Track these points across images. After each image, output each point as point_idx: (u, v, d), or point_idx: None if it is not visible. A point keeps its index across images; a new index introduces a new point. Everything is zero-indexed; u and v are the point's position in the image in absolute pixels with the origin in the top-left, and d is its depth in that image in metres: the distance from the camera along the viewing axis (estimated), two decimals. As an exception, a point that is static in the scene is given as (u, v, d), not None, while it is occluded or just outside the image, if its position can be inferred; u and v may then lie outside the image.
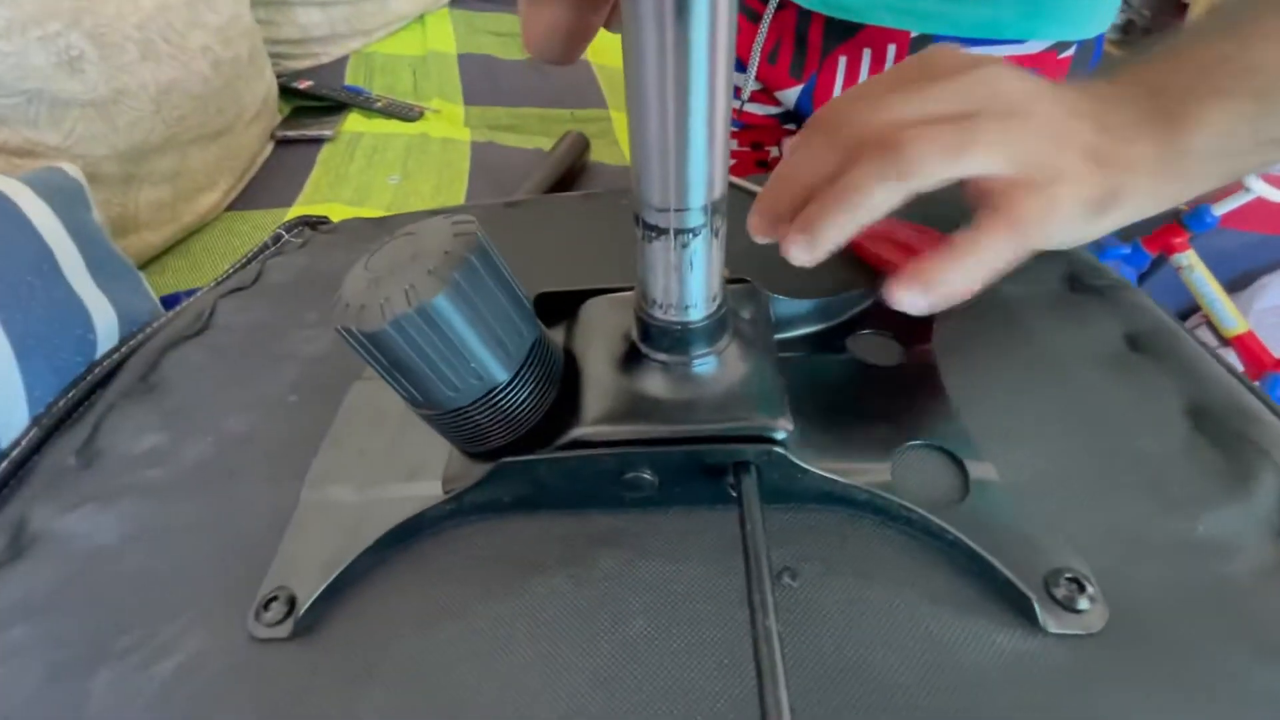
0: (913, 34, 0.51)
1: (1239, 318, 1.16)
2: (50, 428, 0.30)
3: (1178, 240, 1.20)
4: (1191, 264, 1.20)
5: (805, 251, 0.21)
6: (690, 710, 0.18)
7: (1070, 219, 0.21)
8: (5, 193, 0.33)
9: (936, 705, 0.18)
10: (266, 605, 0.22)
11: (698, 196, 0.17)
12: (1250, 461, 0.22)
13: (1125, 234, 1.28)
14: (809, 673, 0.19)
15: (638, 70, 0.15)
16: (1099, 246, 1.33)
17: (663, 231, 0.18)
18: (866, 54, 0.54)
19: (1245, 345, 1.15)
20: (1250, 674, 0.17)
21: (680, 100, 0.15)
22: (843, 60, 0.55)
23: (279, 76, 1.00)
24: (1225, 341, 1.19)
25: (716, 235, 0.19)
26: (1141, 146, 0.21)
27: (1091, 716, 0.17)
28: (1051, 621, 0.19)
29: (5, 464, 0.28)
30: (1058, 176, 0.20)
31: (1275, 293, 1.37)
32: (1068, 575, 0.19)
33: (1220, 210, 1.15)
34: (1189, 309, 1.43)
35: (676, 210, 0.17)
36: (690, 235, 0.18)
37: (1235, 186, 1.12)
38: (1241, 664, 0.17)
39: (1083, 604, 0.19)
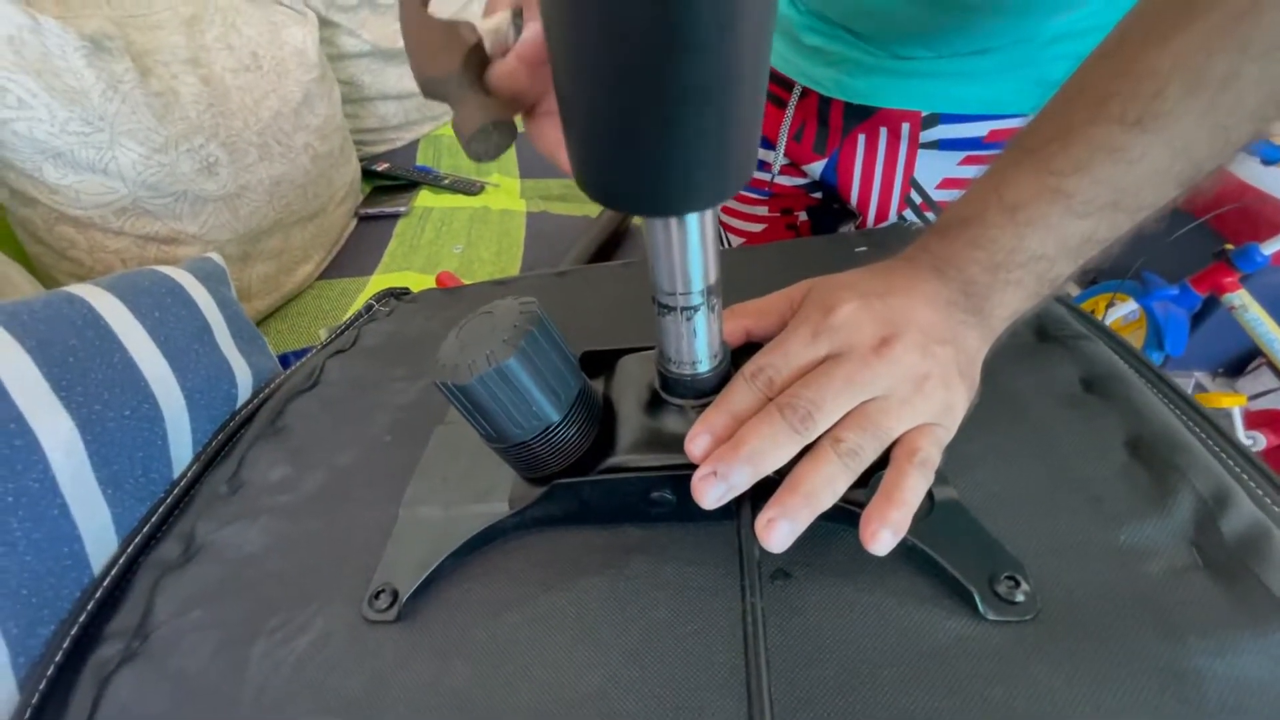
0: (923, 113, 0.57)
1: (1300, 357, 1.12)
2: (206, 462, 0.39)
3: (1228, 280, 1.18)
4: (1245, 304, 1.17)
5: (717, 489, 0.24)
6: (701, 676, 0.23)
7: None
8: (177, 280, 0.42)
9: (898, 675, 0.22)
10: (376, 596, 0.28)
11: (697, 284, 0.24)
12: (1173, 483, 0.26)
13: (1172, 275, 1.27)
14: (797, 652, 0.24)
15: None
16: (1146, 289, 1.31)
17: (672, 309, 0.24)
18: (883, 132, 0.59)
19: (1309, 385, 1.10)
20: (1150, 649, 0.21)
21: (680, 226, 0.21)
22: (861, 138, 0.61)
23: (361, 161, 1.15)
24: (1288, 381, 1.15)
25: (713, 310, 0.25)
26: (971, 338, 0.28)
27: (1021, 683, 0.21)
28: (991, 611, 0.23)
29: (176, 490, 0.36)
30: (950, 411, 0.26)
31: (1344, 330, 1.31)
32: (1007, 575, 0.24)
33: (1269, 249, 1.13)
34: (1253, 350, 1.38)
35: (682, 294, 0.24)
36: (693, 311, 0.24)
37: (1283, 225, 1.11)
38: (1146, 643, 0.21)
39: (1018, 597, 0.23)
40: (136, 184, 0.65)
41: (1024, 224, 0.27)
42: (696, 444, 0.25)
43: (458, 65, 0.23)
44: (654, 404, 0.29)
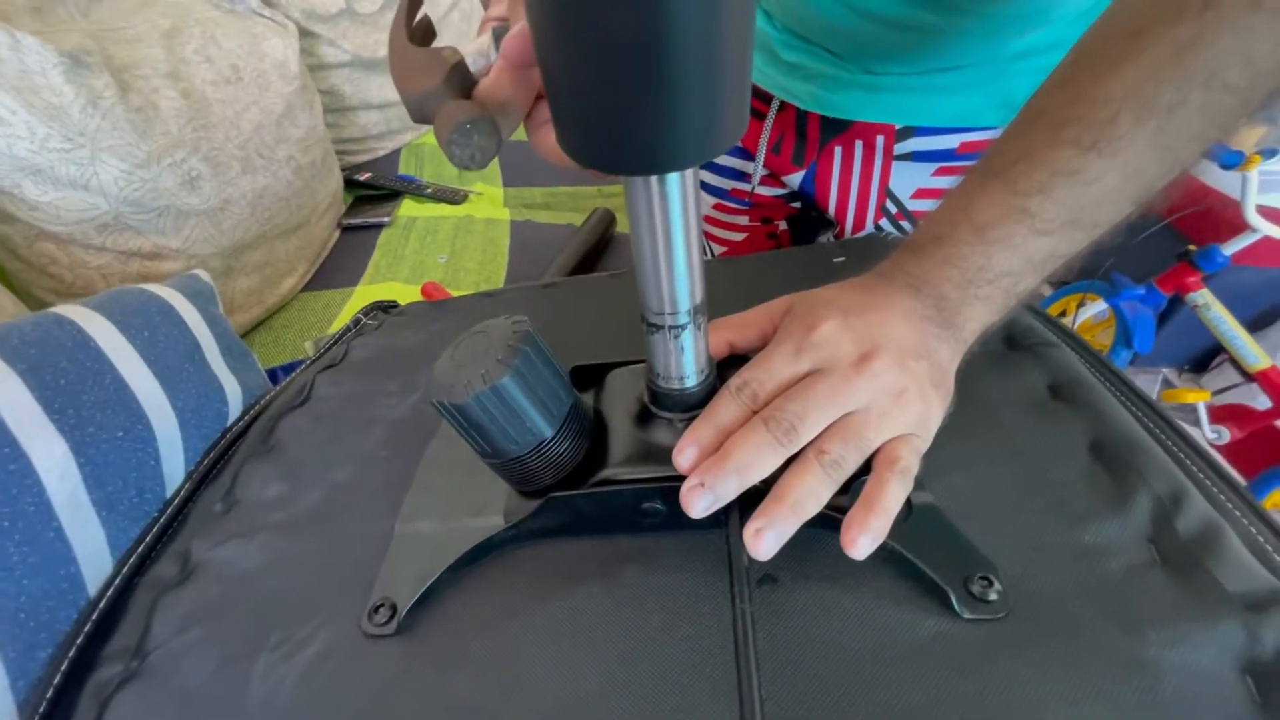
0: (897, 126, 0.59)
1: (1261, 353, 1.17)
2: (199, 481, 0.39)
3: (1191, 280, 1.22)
4: (1208, 302, 1.22)
5: (705, 499, 0.25)
6: (694, 678, 0.24)
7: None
8: (165, 299, 0.43)
9: (880, 672, 0.24)
10: (375, 610, 0.29)
11: (684, 304, 0.25)
12: (1132, 485, 0.27)
13: (1139, 275, 1.32)
14: (785, 653, 0.25)
15: (637, 231, 0.23)
16: (1114, 289, 1.35)
17: (660, 327, 0.25)
18: (859, 144, 0.61)
19: (1270, 380, 1.15)
20: (1111, 642, 0.23)
21: (667, 253, 0.23)
22: (838, 150, 0.62)
23: (343, 171, 1.15)
24: (1250, 377, 1.19)
25: (699, 328, 0.26)
26: (944, 351, 0.29)
27: (993, 676, 0.23)
28: (966, 610, 0.25)
29: (170, 510, 0.37)
30: (926, 422, 0.28)
31: (1303, 326, 1.37)
32: (980, 575, 0.25)
33: (1229, 250, 1.18)
34: (1216, 347, 1.43)
35: (670, 313, 0.25)
36: (680, 329, 0.25)
37: (1242, 225, 1.16)
38: (1106, 635, 0.23)
39: (991, 596, 0.25)
40: (118, 200, 0.65)
41: (992, 242, 0.28)
42: (684, 456, 0.26)
43: (439, 81, 0.24)
44: (643, 417, 0.30)
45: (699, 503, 0.25)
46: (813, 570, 0.27)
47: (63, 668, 0.29)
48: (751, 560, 0.28)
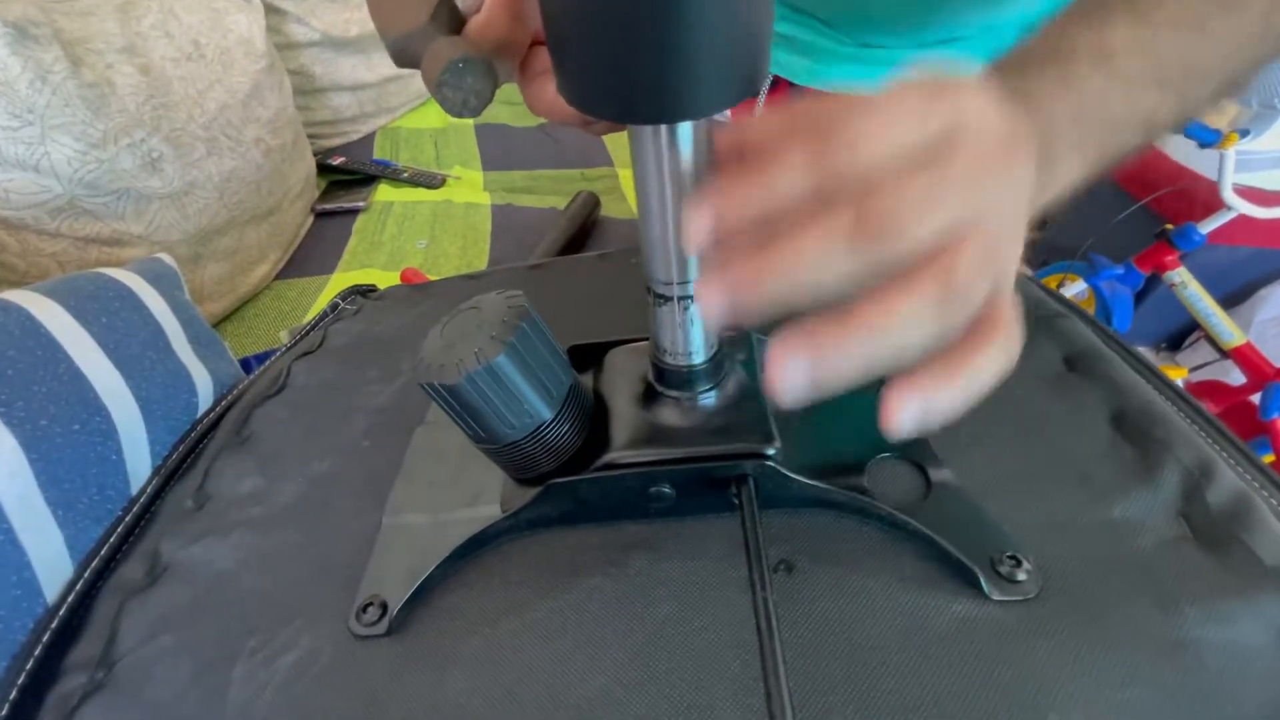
0: None
1: (1236, 330, 1.18)
2: (168, 476, 0.36)
3: (1168, 258, 1.24)
4: (1184, 281, 1.23)
5: (718, 306, 0.16)
6: (709, 673, 0.23)
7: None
8: (125, 283, 0.40)
9: (906, 659, 0.22)
10: (364, 609, 0.27)
11: (694, 273, 0.23)
12: (1158, 457, 0.26)
13: (1117, 255, 1.33)
14: (806, 640, 0.23)
15: (644, 191, 0.21)
16: (1094, 269, 1.37)
17: (669, 299, 0.24)
18: None
19: (1244, 357, 1.17)
20: (1148, 621, 0.22)
21: (677, 215, 0.21)
22: None
23: (315, 155, 1.10)
24: (1225, 354, 1.21)
25: (710, 299, 0.24)
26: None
27: (1026, 660, 0.22)
28: (995, 591, 0.23)
29: (136, 508, 0.34)
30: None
31: (1275, 304, 1.40)
32: (1008, 555, 0.24)
33: (1205, 228, 1.19)
34: (1191, 324, 1.46)
35: (679, 283, 0.23)
36: (690, 300, 0.24)
37: (1217, 204, 1.17)
38: (1142, 614, 0.22)
39: (1020, 576, 0.23)
40: (73, 181, 0.61)
41: (1115, 76, 0.24)
42: (693, 225, 0.17)
43: (426, 18, 0.21)
44: (648, 397, 0.28)
45: (713, 308, 0.16)
46: (831, 555, 0.26)
47: (20, 681, 0.27)
48: (768, 546, 0.26)
